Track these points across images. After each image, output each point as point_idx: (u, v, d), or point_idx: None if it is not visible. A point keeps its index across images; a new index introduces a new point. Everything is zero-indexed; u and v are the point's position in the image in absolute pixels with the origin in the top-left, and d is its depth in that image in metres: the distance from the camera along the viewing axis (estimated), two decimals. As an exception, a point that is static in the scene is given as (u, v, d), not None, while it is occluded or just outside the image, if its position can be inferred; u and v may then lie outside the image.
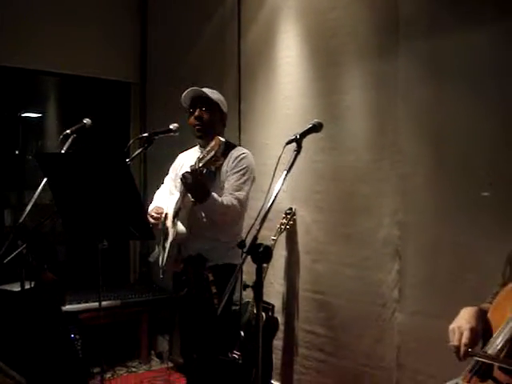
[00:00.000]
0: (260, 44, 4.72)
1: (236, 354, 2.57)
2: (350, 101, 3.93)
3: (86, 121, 3.72)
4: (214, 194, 3.23)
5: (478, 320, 2.21)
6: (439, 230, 3.42)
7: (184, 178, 3.15)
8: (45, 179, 3.22)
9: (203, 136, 3.58)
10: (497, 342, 2.08)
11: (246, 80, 4.87)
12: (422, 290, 3.48)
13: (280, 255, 4.40)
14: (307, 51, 4.28)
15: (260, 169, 4.23)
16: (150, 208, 3.62)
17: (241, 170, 3.42)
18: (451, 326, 2.21)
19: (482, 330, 2.20)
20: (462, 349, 2.11)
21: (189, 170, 3.15)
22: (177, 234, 3.36)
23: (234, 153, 3.50)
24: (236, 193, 3.35)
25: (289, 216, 4.26)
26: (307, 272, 4.27)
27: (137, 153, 3.41)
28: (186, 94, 3.58)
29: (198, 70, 5.33)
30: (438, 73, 3.42)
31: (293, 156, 2.51)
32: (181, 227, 3.38)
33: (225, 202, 3.26)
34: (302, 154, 4.01)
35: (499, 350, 2.06)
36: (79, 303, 4.87)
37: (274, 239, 4.19)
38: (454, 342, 2.14)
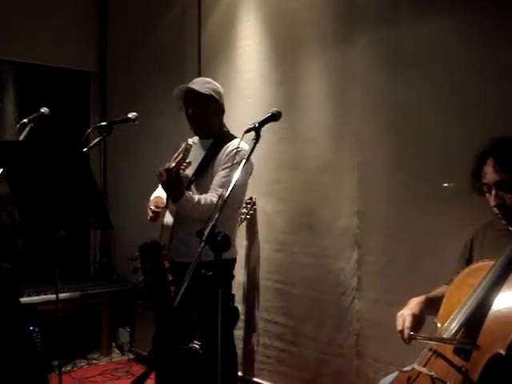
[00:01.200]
0: (220, 32, 4.71)
1: (196, 344, 2.56)
2: (310, 89, 3.95)
3: (44, 110, 3.66)
4: (189, 194, 3.14)
5: (421, 308, 2.37)
6: (398, 218, 3.46)
7: (159, 175, 3.10)
8: (0, 169, 3.15)
9: (198, 133, 3.52)
10: (451, 327, 2.11)
11: (207, 69, 4.83)
12: (380, 278, 3.52)
13: (240, 245, 4.38)
14: (267, 40, 4.28)
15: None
16: (151, 198, 3.55)
17: (231, 166, 3.29)
18: (397, 314, 2.37)
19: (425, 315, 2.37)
20: (405, 332, 2.25)
21: (163, 168, 3.09)
22: (163, 227, 3.31)
23: (230, 146, 3.40)
24: (220, 189, 3.27)
25: (249, 206, 4.26)
26: (267, 262, 4.28)
27: (95, 142, 3.35)
28: (178, 90, 3.46)
29: (158, 59, 5.29)
30: (395, 61, 3.46)
31: (252, 145, 2.50)
32: (168, 218, 3.33)
33: (202, 202, 3.17)
34: (263, 143, 4.01)
35: (454, 333, 2.09)
36: (38, 295, 4.80)
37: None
38: (398, 326, 2.31)
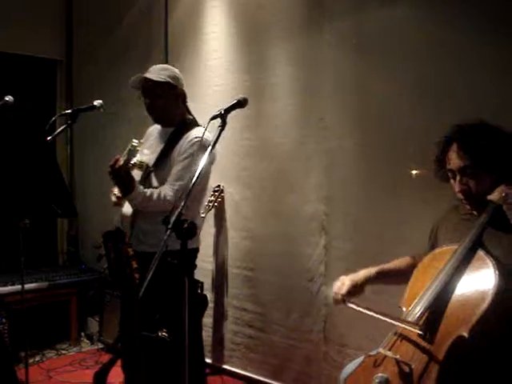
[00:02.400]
0: (187, 20, 4.67)
1: (164, 332, 2.55)
2: (277, 76, 3.95)
3: (8, 98, 3.59)
4: (140, 189, 3.10)
5: (366, 279, 2.50)
6: (364, 204, 3.50)
7: (109, 168, 3.06)
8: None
9: (158, 121, 3.47)
10: (416, 311, 2.14)
11: (173, 56, 4.80)
12: (347, 263, 3.54)
13: (208, 233, 4.39)
14: (234, 27, 4.27)
15: (187, 146, 4.21)
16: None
17: (188, 157, 3.22)
18: (341, 277, 2.53)
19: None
20: (339, 296, 2.41)
21: (111, 168, 3.05)
22: (122, 217, 3.29)
23: (190, 136, 3.29)
24: (176, 183, 3.20)
25: (217, 193, 4.26)
26: (236, 249, 4.29)
27: (59, 130, 3.30)
28: (133, 80, 3.37)
29: (125, 46, 5.24)
30: (362, 48, 3.48)
31: (217, 131, 2.48)
32: (125, 209, 3.31)
33: (154, 196, 3.12)
34: (230, 131, 4.02)
35: (418, 317, 2.12)
36: (5, 286, 4.74)
37: (202, 217, 4.18)
38: (334, 289, 2.46)
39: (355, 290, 2.44)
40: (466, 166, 2.30)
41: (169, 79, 3.34)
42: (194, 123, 3.45)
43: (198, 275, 4.36)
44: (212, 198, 4.24)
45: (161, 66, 3.49)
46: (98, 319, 5.29)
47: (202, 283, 4.24)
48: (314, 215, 3.74)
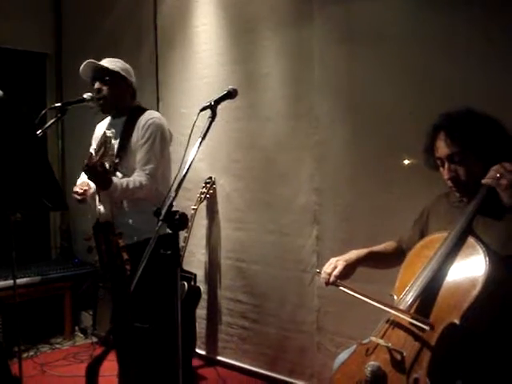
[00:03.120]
0: (177, 11, 4.65)
1: (153, 323, 2.57)
2: (267, 68, 3.95)
3: (-1, 92, 3.57)
4: (117, 181, 3.11)
5: (357, 261, 2.50)
6: (356, 194, 3.51)
7: (84, 167, 3.06)
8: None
9: (106, 111, 3.47)
10: (407, 298, 2.15)
11: (164, 48, 4.80)
12: (339, 253, 3.48)
13: (201, 225, 4.40)
14: (223, 18, 4.26)
15: (178, 138, 4.20)
16: (77, 183, 3.51)
17: (148, 140, 3.29)
18: (332, 258, 2.50)
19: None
20: (331, 278, 2.39)
21: (88, 166, 3.05)
22: (100, 214, 3.30)
23: (142, 120, 3.36)
24: (146, 167, 3.24)
25: (208, 185, 4.27)
26: (228, 240, 4.30)
27: (50, 123, 3.29)
28: (84, 67, 3.41)
29: (115, 39, 5.21)
30: (352, 38, 3.48)
31: (207, 123, 2.47)
32: (101, 207, 3.33)
33: (131, 185, 3.15)
34: (221, 123, 4.05)
35: (409, 305, 2.13)
36: (-2, 281, 4.73)
37: (194, 209, 4.19)
38: (327, 269, 2.42)
39: (348, 271, 2.44)
40: (454, 153, 2.30)
41: (120, 70, 3.42)
42: (141, 109, 3.50)
43: (192, 267, 4.38)
44: (204, 190, 4.25)
45: (113, 58, 3.51)
46: (91, 313, 5.29)
47: (195, 275, 4.25)
48: (305, 206, 3.75)
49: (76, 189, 3.35)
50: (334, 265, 2.44)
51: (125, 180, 3.17)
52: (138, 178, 3.22)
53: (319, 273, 2.48)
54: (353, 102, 3.48)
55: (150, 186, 3.23)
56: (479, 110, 2.35)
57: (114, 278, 1.96)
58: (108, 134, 3.05)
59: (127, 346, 2.01)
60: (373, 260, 2.58)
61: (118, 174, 3.23)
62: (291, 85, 3.82)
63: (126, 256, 1.93)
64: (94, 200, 3.27)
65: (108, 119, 3.59)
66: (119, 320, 2.02)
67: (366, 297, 2.23)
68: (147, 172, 3.25)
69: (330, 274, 2.41)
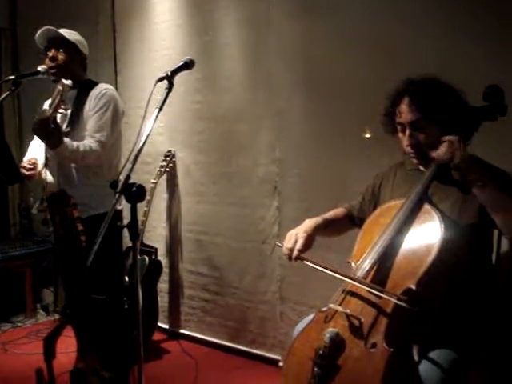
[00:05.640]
0: (133, -17, 4.58)
1: (109, 295, 2.57)
2: (225, 39, 3.92)
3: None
4: (67, 140, 3.08)
5: (315, 230, 2.46)
6: (316, 165, 3.52)
7: (34, 124, 3.01)
8: None
9: (59, 79, 3.43)
10: (364, 266, 2.16)
11: (121, 20, 4.72)
12: (300, 223, 3.54)
13: (161, 198, 4.38)
14: (180, -12, 4.20)
15: (136, 111, 4.17)
16: (24, 159, 3.46)
17: (101, 109, 3.27)
18: (290, 232, 2.44)
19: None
20: (295, 252, 2.35)
21: (40, 118, 3.00)
22: (47, 185, 3.26)
23: (95, 91, 3.34)
24: (97, 134, 3.21)
25: (168, 158, 4.24)
26: (189, 213, 4.29)
27: (3, 96, 3.23)
28: (40, 34, 3.36)
29: (71, 12, 5.09)
30: (309, 8, 3.46)
31: (164, 94, 2.44)
32: (49, 177, 3.29)
33: (81, 148, 3.13)
34: (180, 95, 4.02)
35: (367, 271, 2.14)
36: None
37: (154, 182, 4.17)
38: (288, 244, 2.38)
39: (309, 243, 2.41)
40: (417, 119, 2.29)
41: (77, 42, 3.39)
42: (93, 82, 3.48)
43: (153, 241, 4.37)
44: (163, 164, 4.22)
45: (70, 30, 3.46)
46: (52, 290, 5.25)
47: (156, 249, 4.24)
48: (266, 177, 3.76)
49: (24, 164, 3.31)
50: (295, 238, 2.40)
51: (75, 142, 3.13)
52: (87, 142, 3.18)
53: (280, 246, 2.45)
54: (310, 72, 3.48)
55: (99, 153, 3.21)
56: (443, 79, 2.35)
57: (69, 250, 1.94)
58: (65, 82, 3.00)
59: (84, 318, 2.00)
60: (328, 228, 2.58)
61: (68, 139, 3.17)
62: (249, 55, 3.80)
63: (80, 227, 1.91)
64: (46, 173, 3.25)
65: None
66: (75, 292, 2.01)
67: (329, 269, 2.22)
68: (97, 139, 3.22)
69: (292, 249, 2.38)
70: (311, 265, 2.29)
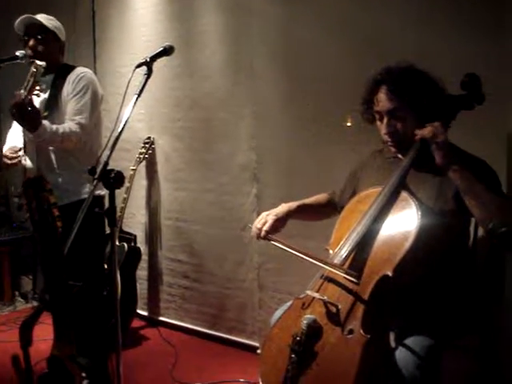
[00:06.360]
0: (113, -32, 4.54)
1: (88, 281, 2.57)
2: (206, 25, 3.89)
3: None
4: (46, 123, 3.05)
5: (287, 214, 2.53)
6: (295, 152, 3.52)
7: (11, 108, 2.98)
8: None
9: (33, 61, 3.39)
10: (341, 252, 2.17)
11: (101, 5, 4.67)
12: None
13: (140, 185, 4.36)
14: (160, -26, 4.17)
15: (115, 98, 4.14)
16: (5, 149, 3.42)
17: (80, 92, 3.23)
18: (262, 213, 2.53)
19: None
20: (262, 232, 2.43)
21: (15, 101, 2.97)
22: (26, 170, 3.24)
23: (73, 75, 3.30)
24: (77, 117, 3.19)
25: (147, 145, 4.22)
26: (168, 200, 4.29)
27: (-21, 82, 3.21)
28: (19, 21, 3.30)
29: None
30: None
31: (143, 80, 2.42)
32: (28, 163, 3.26)
33: (60, 130, 3.09)
34: (160, 82, 4.00)
35: (344, 258, 2.15)
36: None
37: (133, 169, 4.15)
38: (258, 225, 2.46)
39: (278, 225, 2.47)
40: (395, 108, 2.30)
41: (55, 29, 3.35)
42: (70, 66, 3.44)
43: (132, 228, 4.36)
44: (143, 150, 4.20)
45: (48, 16, 3.42)
46: (31, 277, 5.22)
47: (135, 236, 4.23)
48: (245, 164, 3.76)
49: (6, 152, 3.28)
50: (265, 219, 2.47)
51: (54, 125, 3.11)
52: (67, 125, 3.15)
53: (251, 227, 2.51)
54: (291, 58, 3.47)
55: (80, 136, 3.17)
56: (421, 67, 2.36)
57: (46, 236, 1.93)
58: (39, 63, 2.97)
59: (61, 304, 1.99)
60: (304, 212, 2.62)
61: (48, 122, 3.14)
62: (230, 42, 3.78)
63: (56, 212, 1.90)
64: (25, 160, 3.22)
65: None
66: (52, 278, 2.00)
67: (298, 251, 2.25)
68: (77, 122, 3.18)
69: (260, 229, 2.44)
70: (277, 245, 2.34)
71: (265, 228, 2.43)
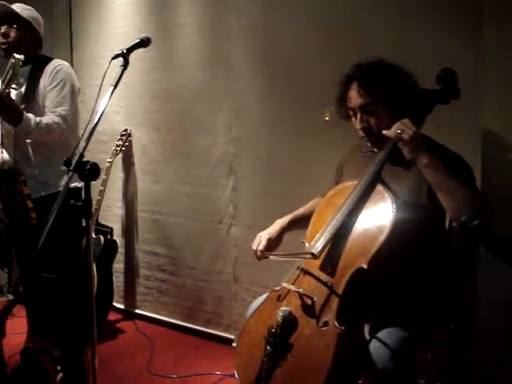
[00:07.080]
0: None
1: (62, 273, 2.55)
2: (183, 17, 3.88)
3: None
4: (29, 115, 3.03)
5: (281, 231, 2.58)
6: (272, 145, 3.52)
7: None
8: None
9: (9, 56, 3.35)
10: (317, 245, 2.18)
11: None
12: (255, 204, 3.59)
13: (117, 178, 4.34)
14: (138, -33, 4.14)
15: (92, 90, 4.12)
16: None
17: (58, 84, 3.19)
18: (258, 234, 2.57)
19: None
20: (258, 252, 2.49)
21: None
22: (3, 163, 3.21)
23: (50, 67, 3.25)
24: (58, 109, 3.16)
25: (124, 137, 4.20)
26: (145, 193, 4.27)
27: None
28: None
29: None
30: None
31: (120, 71, 2.40)
32: (5, 155, 3.23)
33: (44, 121, 3.06)
34: (137, 74, 3.98)
35: (319, 251, 2.16)
36: None
37: (109, 161, 4.12)
38: (253, 246, 2.52)
39: (273, 243, 2.51)
40: (366, 103, 2.32)
41: (30, 19, 3.29)
42: (47, 57, 3.39)
43: (108, 221, 4.34)
44: (119, 143, 4.18)
45: (25, 5, 3.37)
46: (6, 271, 5.17)
47: (111, 228, 4.21)
48: (222, 157, 3.75)
49: None
50: (259, 240, 2.52)
51: (37, 117, 3.08)
52: (49, 117, 3.12)
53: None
54: (269, 51, 3.47)
55: (63, 128, 3.14)
56: (391, 61, 2.37)
57: (19, 228, 1.91)
58: (17, 56, 2.94)
59: (35, 297, 1.98)
60: (299, 224, 2.63)
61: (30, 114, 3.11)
62: (208, 34, 3.77)
63: (30, 204, 1.89)
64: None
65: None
66: (26, 270, 1.99)
67: (289, 256, 2.34)
68: (58, 113, 3.15)
69: (256, 250, 2.50)
70: (276, 259, 2.42)
71: (260, 248, 2.48)
